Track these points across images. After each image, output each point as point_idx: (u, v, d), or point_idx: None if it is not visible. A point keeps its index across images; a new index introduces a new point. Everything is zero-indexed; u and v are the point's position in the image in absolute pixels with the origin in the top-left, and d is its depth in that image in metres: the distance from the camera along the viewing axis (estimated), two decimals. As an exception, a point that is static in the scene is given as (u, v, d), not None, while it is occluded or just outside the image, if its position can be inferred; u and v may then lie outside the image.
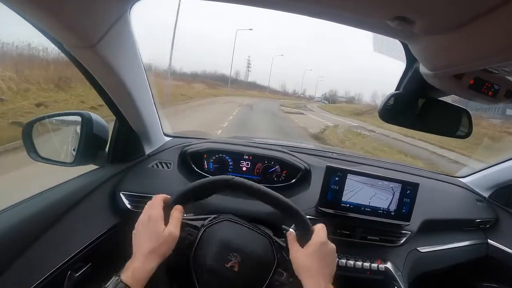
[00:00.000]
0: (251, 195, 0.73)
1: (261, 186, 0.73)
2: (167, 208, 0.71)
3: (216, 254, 0.71)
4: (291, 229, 0.75)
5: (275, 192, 0.73)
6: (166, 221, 0.69)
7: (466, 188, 1.44)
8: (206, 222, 0.77)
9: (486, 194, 1.44)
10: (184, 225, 0.73)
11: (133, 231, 0.68)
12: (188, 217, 0.78)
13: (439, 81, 0.65)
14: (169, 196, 0.74)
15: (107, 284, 0.59)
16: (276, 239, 0.79)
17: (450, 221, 1.29)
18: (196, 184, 0.74)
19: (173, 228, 0.67)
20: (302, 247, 0.70)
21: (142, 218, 0.68)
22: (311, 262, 0.67)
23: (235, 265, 0.70)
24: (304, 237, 0.71)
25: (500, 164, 1.37)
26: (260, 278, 0.71)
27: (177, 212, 0.71)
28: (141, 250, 0.63)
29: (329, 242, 0.72)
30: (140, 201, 1.03)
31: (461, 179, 1.50)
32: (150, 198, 0.73)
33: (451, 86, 0.64)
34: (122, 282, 0.58)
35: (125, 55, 0.81)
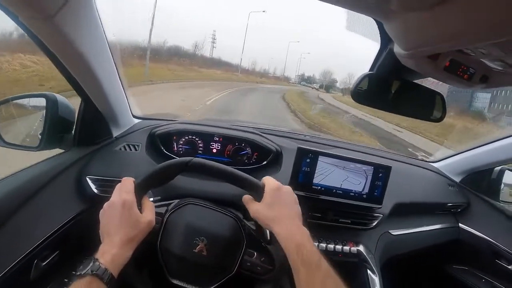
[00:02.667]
0: (211, 175, 0.71)
1: (220, 165, 0.70)
2: (138, 193, 0.68)
3: (182, 241, 0.69)
4: (245, 195, 0.73)
5: (227, 167, 0.71)
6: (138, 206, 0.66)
7: (438, 173, 1.46)
8: (170, 207, 0.75)
9: (457, 179, 1.46)
10: None
11: (101, 213, 0.65)
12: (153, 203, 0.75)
13: (414, 62, 0.63)
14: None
15: (84, 267, 0.55)
16: (246, 222, 0.78)
17: (422, 204, 1.31)
18: (155, 169, 0.71)
19: (151, 216, 0.66)
20: (260, 201, 0.69)
21: (116, 201, 0.64)
22: (273, 210, 0.67)
23: (203, 249, 0.68)
24: (258, 194, 0.70)
25: (472, 150, 1.39)
26: (231, 259, 0.70)
27: (147, 199, 0.69)
28: (118, 236, 0.61)
29: (283, 185, 0.71)
30: (107, 186, 0.99)
31: (433, 164, 1.52)
32: (117, 182, 0.70)
33: (426, 67, 0.63)
34: (102, 265, 0.55)
35: (86, 29, 0.76)
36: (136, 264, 0.66)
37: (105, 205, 0.65)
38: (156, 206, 0.72)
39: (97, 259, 0.56)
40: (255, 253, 0.71)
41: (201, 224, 0.71)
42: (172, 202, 0.76)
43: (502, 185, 1.41)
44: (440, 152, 1.56)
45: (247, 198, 0.72)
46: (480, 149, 1.36)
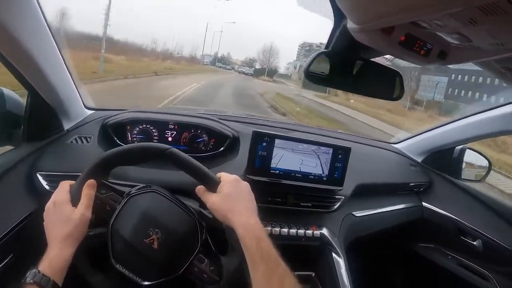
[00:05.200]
0: (179, 168, 0.70)
1: (191, 159, 0.70)
2: (78, 188, 0.66)
3: (135, 228, 0.65)
4: (198, 186, 0.71)
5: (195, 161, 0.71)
6: (78, 203, 0.65)
7: (399, 154, 1.48)
8: (133, 190, 0.71)
9: (419, 159, 1.49)
10: (108, 189, 0.71)
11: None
12: (116, 182, 0.74)
13: (367, 36, 0.61)
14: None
15: (26, 277, 0.55)
16: (203, 210, 0.75)
17: (385, 185, 1.32)
18: (131, 147, 0.72)
19: (84, 208, 0.64)
20: (215, 192, 0.68)
21: (48, 204, 0.65)
22: (231, 202, 0.66)
23: (154, 241, 0.65)
24: (213, 186, 0.69)
25: (433, 130, 1.42)
26: (180, 260, 0.67)
27: (88, 189, 0.66)
28: (54, 237, 0.61)
29: (240, 179, 0.70)
30: (59, 181, 0.92)
31: (394, 145, 1.54)
32: (70, 177, 0.70)
33: (381, 42, 0.61)
34: (40, 273, 0.54)
35: (25, 19, 0.72)
36: (89, 257, 0.66)
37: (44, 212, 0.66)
38: (118, 185, 0.72)
39: (37, 267, 0.56)
40: (206, 260, 0.68)
41: (159, 216, 0.68)
42: (137, 185, 0.73)
43: (464, 164, 1.45)
44: (401, 134, 1.58)
45: (201, 189, 0.70)
46: (441, 129, 1.39)
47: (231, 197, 0.66)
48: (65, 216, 0.62)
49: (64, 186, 0.68)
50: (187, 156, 0.70)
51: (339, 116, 11.59)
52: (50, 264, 0.57)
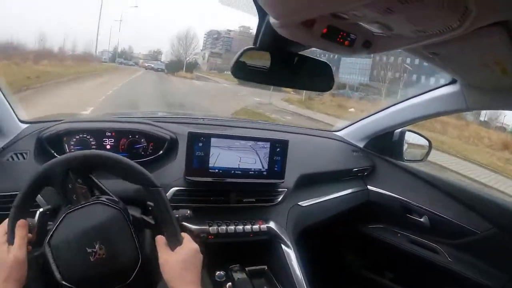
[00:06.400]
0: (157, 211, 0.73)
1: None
2: (12, 229, 0.65)
3: (76, 259, 0.65)
4: (159, 236, 0.72)
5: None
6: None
7: (341, 141, 1.54)
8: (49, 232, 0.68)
9: (361, 145, 1.55)
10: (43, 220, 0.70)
11: None
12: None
13: (288, 31, 0.62)
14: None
15: None
16: (144, 217, 0.76)
17: (329, 173, 1.36)
18: (29, 181, 0.69)
19: (17, 250, 0.63)
20: (173, 250, 0.69)
21: None
22: (181, 269, 0.67)
23: (100, 254, 0.66)
24: (174, 243, 0.70)
25: (371, 116, 1.48)
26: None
27: (19, 230, 0.65)
28: None
29: (199, 250, 0.71)
30: None
31: (335, 133, 1.59)
32: (8, 197, 0.72)
33: (303, 36, 0.62)
34: None
35: None
36: None
37: None
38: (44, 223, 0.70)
39: None
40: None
41: (82, 231, 0.67)
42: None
43: (405, 146, 1.53)
44: (341, 122, 1.64)
45: (162, 240, 0.71)
46: (379, 114, 1.46)
47: (184, 264, 0.68)
48: (1, 259, 0.62)
49: (0, 227, 0.67)
50: (167, 199, 0.72)
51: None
52: None
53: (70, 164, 0.71)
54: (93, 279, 0.66)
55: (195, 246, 0.71)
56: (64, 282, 0.64)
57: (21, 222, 0.66)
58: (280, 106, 13.29)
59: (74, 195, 0.72)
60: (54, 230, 0.66)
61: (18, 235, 0.65)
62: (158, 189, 0.72)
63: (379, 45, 0.66)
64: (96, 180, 0.75)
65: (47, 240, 0.65)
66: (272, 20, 0.63)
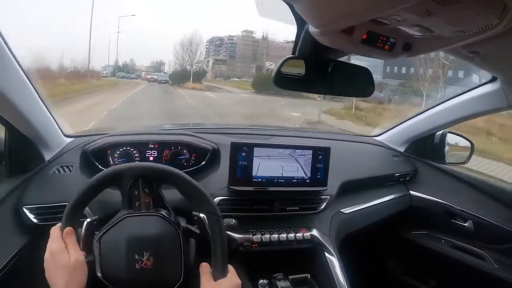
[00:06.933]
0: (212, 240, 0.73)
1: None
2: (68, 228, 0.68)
3: (124, 263, 0.67)
4: (204, 263, 0.73)
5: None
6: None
7: (381, 146, 1.50)
8: (96, 237, 0.70)
9: (401, 149, 1.50)
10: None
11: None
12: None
13: (329, 39, 0.62)
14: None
15: None
16: (189, 226, 0.77)
17: (370, 179, 1.33)
18: (79, 192, 0.71)
19: (74, 253, 0.65)
20: (215, 281, 0.69)
21: (47, 256, 0.66)
22: None
23: (147, 263, 0.67)
24: (218, 273, 0.70)
25: (411, 120, 1.44)
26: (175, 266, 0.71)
27: (68, 236, 0.67)
28: (58, 287, 0.62)
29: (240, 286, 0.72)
30: (47, 213, 0.94)
31: (375, 138, 1.56)
32: (57, 207, 0.75)
33: (343, 43, 0.62)
34: None
35: None
36: None
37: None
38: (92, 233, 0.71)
39: None
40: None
41: (136, 237, 0.69)
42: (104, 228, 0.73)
43: (447, 148, 1.47)
44: (380, 127, 1.60)
45: (207, 268, 0.72)
46: (418, 117, 1.41)
47: None
48: (63, 265, 0.63)
49: (55, 233, 0.68)
50: (225, 230, 0.73)
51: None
52: None
53: (144, 173, 0.74)
54: (132, 285, 0.67)
55: (238, 281, 0.71)
56: (102, 279, 0.66)
57: (68, 229, 0.68)
58: (335, 124, 9.41)
59: (137, 202, 0.74)
60: (109, 228, 0.69)
61: (68, 241, 0.67)
62: (219, 218, 0.73)
63: (419, 47, 0.64)
64: (161, 194, 0.77)
65: (98, 236, 0.68)
66: (311, 28, 0.63)
